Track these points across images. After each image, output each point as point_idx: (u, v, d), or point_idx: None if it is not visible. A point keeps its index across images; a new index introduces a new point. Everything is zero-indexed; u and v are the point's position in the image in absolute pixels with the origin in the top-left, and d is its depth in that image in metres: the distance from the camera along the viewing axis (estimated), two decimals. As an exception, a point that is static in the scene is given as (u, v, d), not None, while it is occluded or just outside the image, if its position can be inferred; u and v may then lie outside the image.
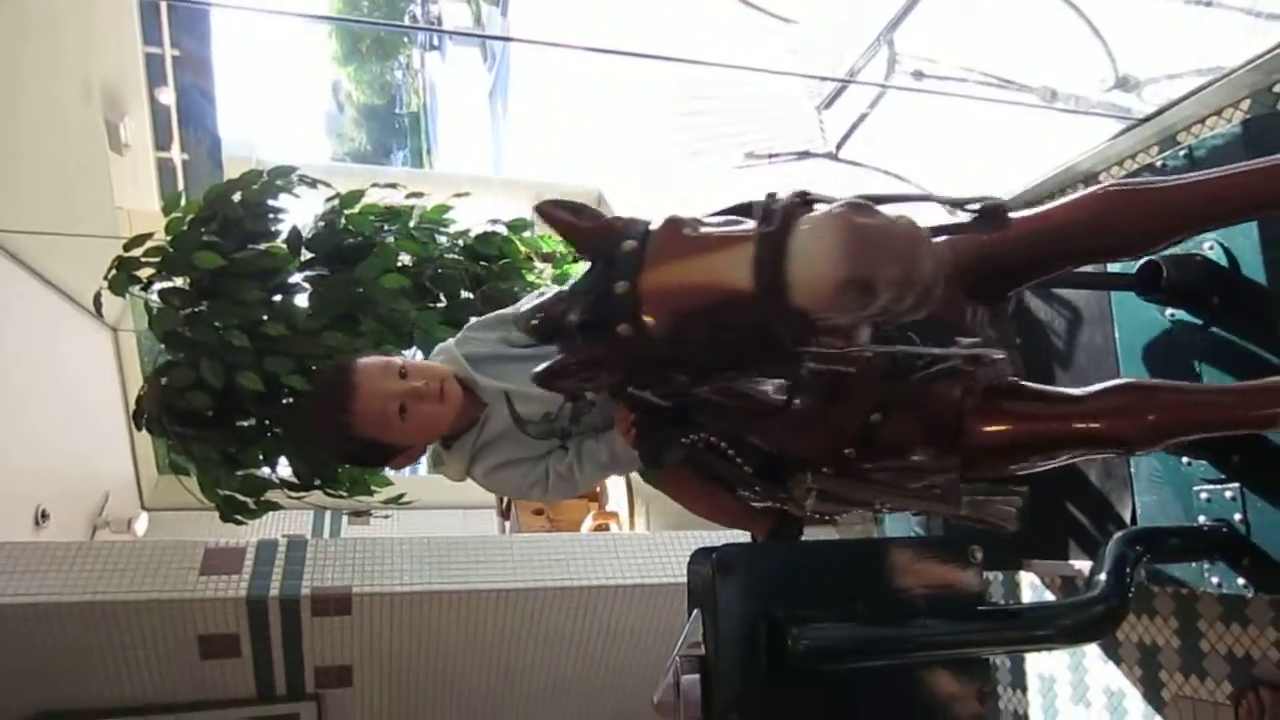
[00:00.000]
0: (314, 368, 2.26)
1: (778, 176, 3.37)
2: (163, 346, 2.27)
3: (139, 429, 2.40)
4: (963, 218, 1.18)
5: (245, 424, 2.47)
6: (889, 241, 0.86)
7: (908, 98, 2.83)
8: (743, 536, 1.60)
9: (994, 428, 1.19)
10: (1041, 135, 2.47)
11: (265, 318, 2.26)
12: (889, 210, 0.92)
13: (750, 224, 0.96)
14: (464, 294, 2.69)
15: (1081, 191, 1.23)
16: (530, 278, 2.73)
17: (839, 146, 2.87)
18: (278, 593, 2.93)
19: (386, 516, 2.78)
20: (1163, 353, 1.54)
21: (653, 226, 1.02)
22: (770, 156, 2.90)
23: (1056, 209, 1.23)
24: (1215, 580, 1.45)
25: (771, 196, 0.96)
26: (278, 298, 2.31)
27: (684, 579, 3.39)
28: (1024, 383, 1.23)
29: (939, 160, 2.84)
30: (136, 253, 2.28)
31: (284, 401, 2.39)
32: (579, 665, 3.36)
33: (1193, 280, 1.44)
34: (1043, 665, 2.58)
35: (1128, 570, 1.25)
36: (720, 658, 1.07)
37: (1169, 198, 1.18)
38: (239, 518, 2.43)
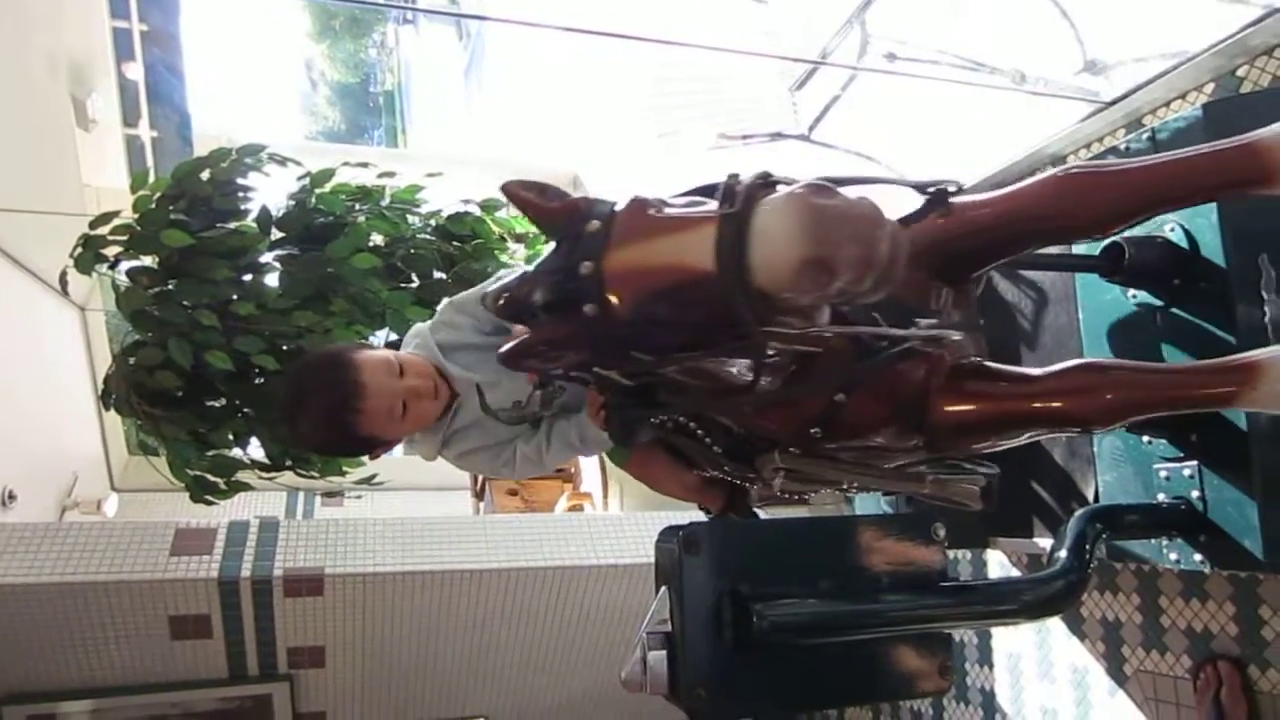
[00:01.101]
0: (284, 347, 2.25)
1: (751, 157, 3.38)
2: (131, 326, 2.24)
3: (107, 409, 2.38)
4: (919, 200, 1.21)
5: (215, 404, 2.45)
6: (848, 223, 0.87)
7: (880, 79, 2.84)
8: (713, 515, 1.63)
9: (956, 407, 1.21)
10: (1012, 118, 2.50)
11: (235, 297, 2.23)
12: (850, 192, 0.93)
13: (713, 205, 0.97)
14: (436, 274, 2.68)
15: (1042, 175, 1.25)
16: (503, 258, 2.72)
17: (811, 128, 2.87)
18: (249, 573, 2.93)
19: (359, 497, 2.77)
20: (1125, 333, 1.57)
21: (618, 207, 1.02)
22: (743, 137, 2.90)
23: (1018, 191, 1.25)
24: (1174, 556, 1.48)
25: (734, 177, 0.97)
26: (247, 277, 2.29)
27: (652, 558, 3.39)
28: (986, 363, 1.26)
29: (911, 142, 2.86)
30: (103, 231, 2.25)
31: (255, 381, 2.38)
32: (553, 644, 3.39)
33: (1154, 262, 1.46)
34: (1009, 642, 2.63)
35: (1087, 547, 1.27)
36: (687, 634, 1.08)
37: (1128, 180, 1.20)
38: (210, 498, 2.41)
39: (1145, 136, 1.55)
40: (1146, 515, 1.46)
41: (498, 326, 1.57)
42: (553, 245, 1.06)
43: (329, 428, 1.46)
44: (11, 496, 3.78)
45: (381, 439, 1.51)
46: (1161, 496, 1.49)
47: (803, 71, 2.77)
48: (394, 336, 2.51)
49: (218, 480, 2.37)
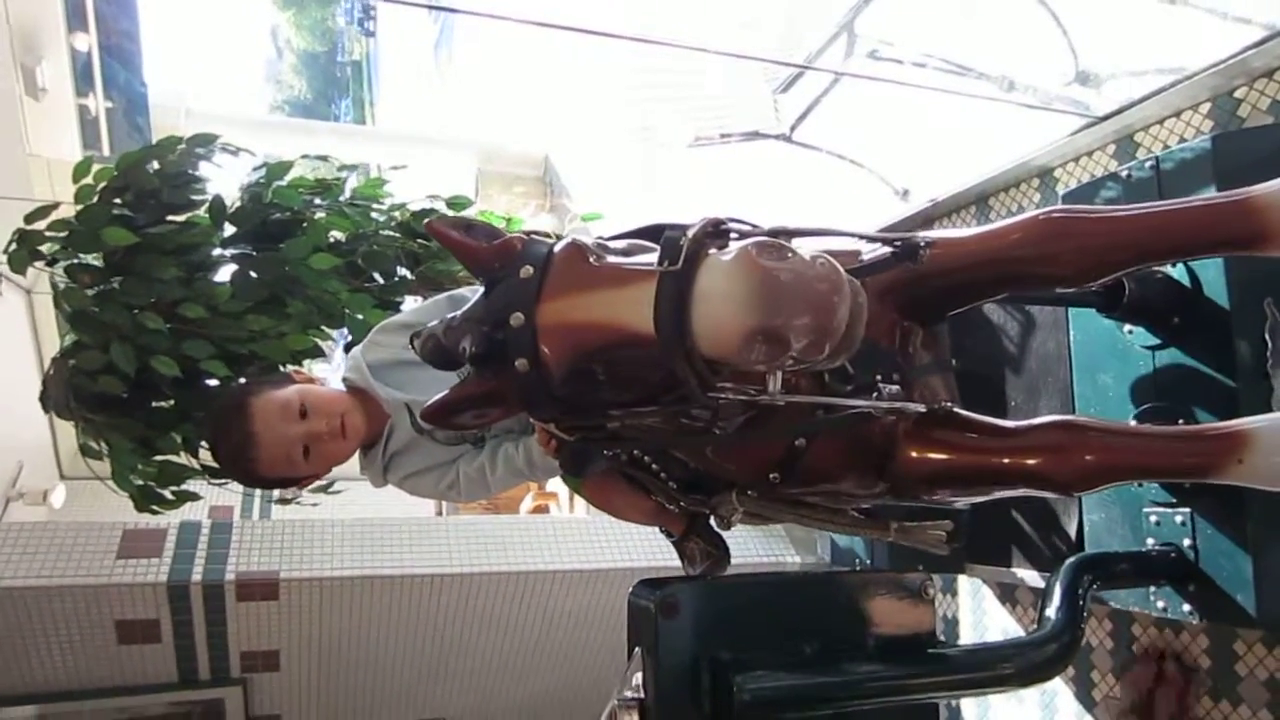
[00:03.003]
0: (236, 352, 2.13)
1: (729, 156, 3.29)
2: (69, 327, 2.11)
3: (46, 411, 2.25)
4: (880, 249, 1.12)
5: (162, 404, 2.32)
6: (801, 288, 0.79)
7: (865, 80, 2.76)
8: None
9: (923, 456, 1.13)
10: (998, 125, 2.43)
11: (183, 298, 2.10)
12: (806, 246, 0.85)
13: (654, 257, 0.88)
14: (400, 272, 2.57)
15: (1023, 216, 1.15)
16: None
17: (793, 128, 2.79)
18: (200, 578, 2.83)
19: (316, 505, 2.66)
20: (1118, 367, 1.50)
21: (556, 249, 0.93)
22: (721, 136, 2.81)
23: (996, 231, 1.15)
24: (1161, 604, 1.43)
25: (677, 228, 0.88)
26: (198, 276, 2.16)
27: (621, 564, 3.34)
28: (957, 410, 1.17)
29: (893, 145, 2.79)
30: (40, 225, 2.10)
31: (205, 384, 2.26)
32: (516, 648, 3.33)
33: (1154, 298, 1.39)
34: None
35: (1081, 603, 1.21)
36: (661, 705, 1.00)
37: (1118, 230, 1.11)
38: (155, 509, 2.30)
39: (1149, 165, 1.48)
40: (1137, 563, 1.40)
41: None
42: (482, 290, 0.97)
43: (236, 471, 1.46)
44: (-49, 488, 3.62)
45: (296, 478, 1.48)
46: (1150, 542, 1.44)
47: (788, 74, 2.68)
48: (352, 339, 2.40)
49: (163, 491, 2.25)
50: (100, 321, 2.02)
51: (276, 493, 2.89)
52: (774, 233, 0.87)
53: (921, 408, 1.08)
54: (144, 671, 2.94)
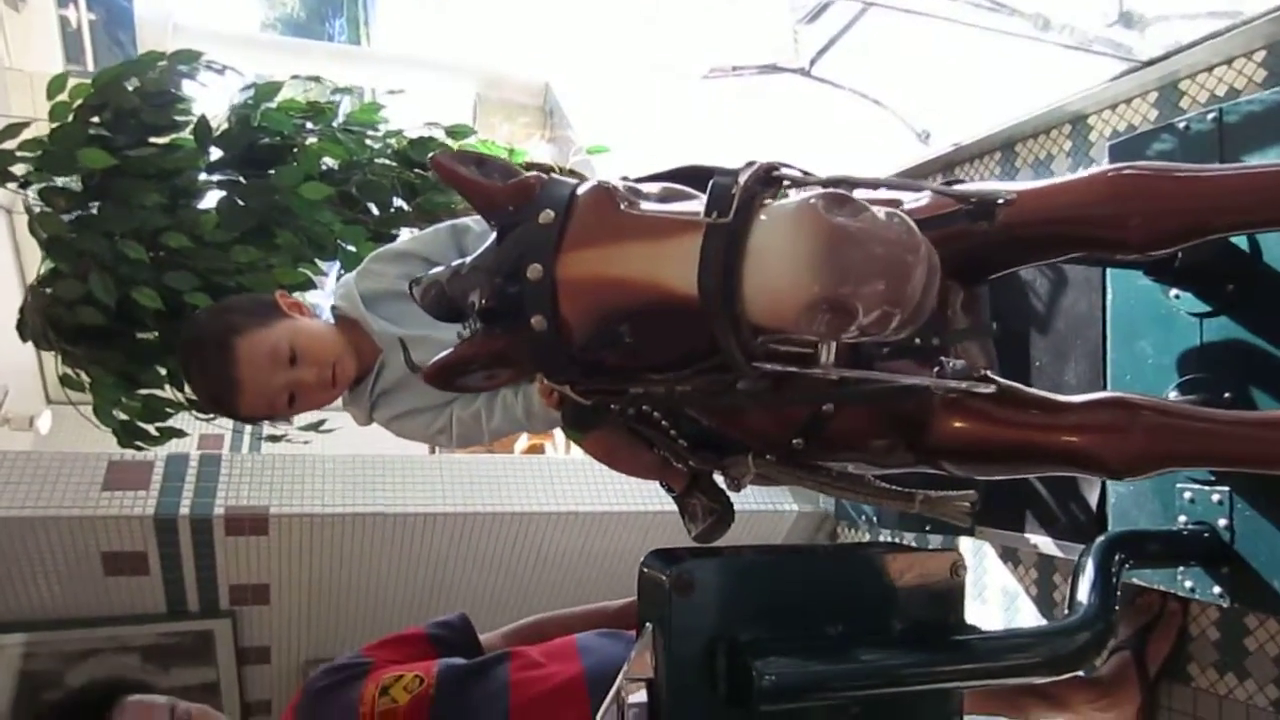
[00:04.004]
0: (223, 284, 2.02)
1: (744, 89, 3.14)
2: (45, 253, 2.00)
3: (23, 341, 2.15)
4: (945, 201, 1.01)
5: (145, 336, 2.23)
6: (876, 251, 0.69)
7: (889, 12, 2.61)
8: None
9: (959, 429, 1.03)
10: (1031, 66, 2.29)
11: (165, 226, 1.99)
12: (875, 202, 0.74)
13: (699, 204, 0.77)
14: (396, 204, 2.45)
15: (1093, 171, 1.04)
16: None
17: (812, 63, 2.64)
18: (188, 512, 2.77)
19: (307, 443, 2.59)
20: (1158, 335, 1.41)
21: (579, 192, 0.82)
22: (734, 69, 2.67)
23: (1060, 191, 1.04)
24: (1189, 585, 1.37)
25: (728, 173, 0.77)
26: (181, 203, 2.04)
27: (616, 507, 3.28)
28: (1000, 380, 1.08)
29: (917, 85, 2.65)
30: (10, 145, 1.97)
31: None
32: (508, 587, 3.30)
33: (1208, 262, 1.29)
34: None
35: (1114, 586, 1.15)
36: (672, 687, 0.94)
37: (1196, 193, 0.99)
38: (139, 445, 2.21)
39: (1210, 117, 1.36)
40: (1169, 543, 1.33)
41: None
42: (494, 235, 0.86)
43: (216, 408, 1.41)
44: (-66, 412, 3.54)
45: (276, 418, 1.46)
46: (1182, 519, 1.37)
47: (814, 4, 2.53)
48: (341, 274, 2.30)
49: (148, 426, 2.16)
50: (78, 249, 1.91)
51: (266, 429, 2.82)
52: (835, 182, 0.75)
53: (990, 387, 0.98)
54: (132, 603, 2.91)
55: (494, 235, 0.86)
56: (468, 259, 0.88)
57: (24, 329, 2.12)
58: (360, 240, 2.22)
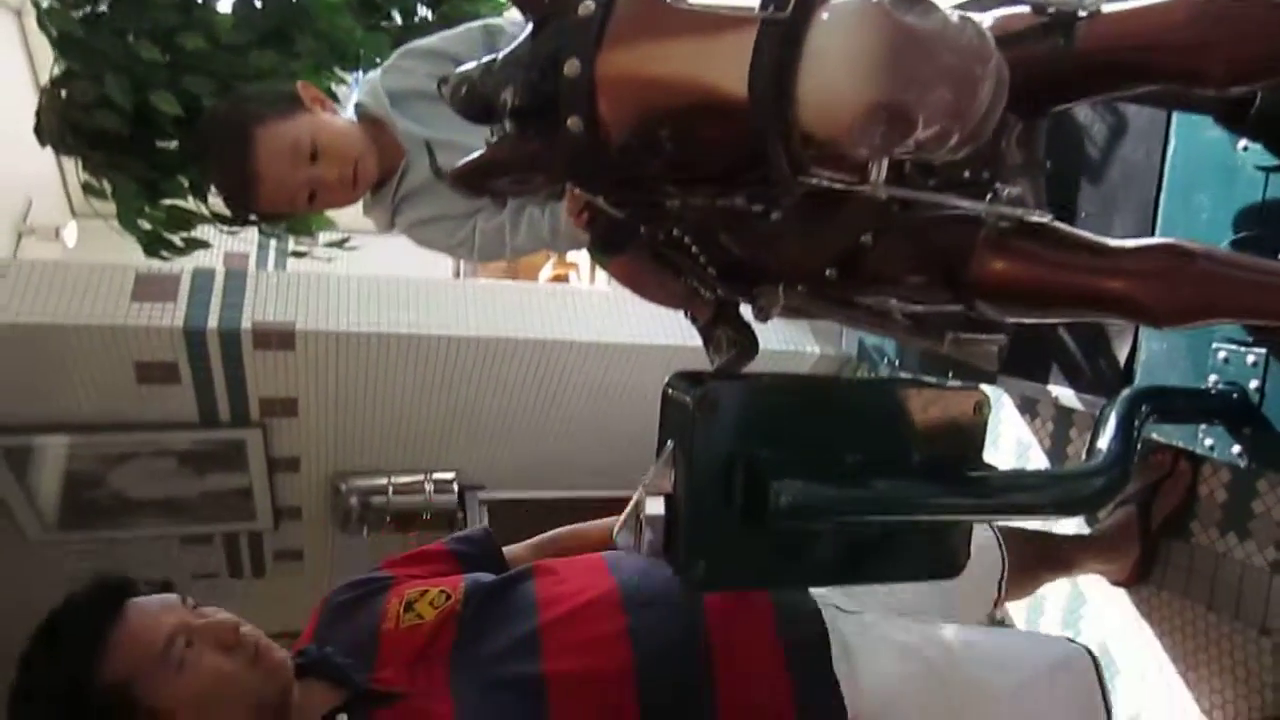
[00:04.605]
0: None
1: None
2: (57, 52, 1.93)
3: (42, 145, 2.11)
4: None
5: (166, 145, 2.18)
6: (945, 57, 0.64)
7: None
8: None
9: (1002, 269, 0.97)
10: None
11: (180, 26, 1.90)
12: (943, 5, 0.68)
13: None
14: (421, 12, 2.33)
15: None
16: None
17: None
18: (216, 324, 2.81)
19: (330, 260, 2.58)
20: (1218, 188, 1.33)
21: None
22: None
23: (1140, 13, 0.94)
24: (1209, 443, 1.35)
25: None
26: (196, 2, 1.94)
27: (639, 339, 3.29)
28: (1049, 221, 1.03)
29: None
30: (15, -68, 1.86)
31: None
32: (529, 412, 3.38)
33: (1287, 112, 1.20)
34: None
35: (1135, 437, 1.14)
36: (691, 502, 0.96)
37: None
38: (164, 255, 2.21)
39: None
40: (1195, 400, 1.31)
41: None
42: (529, 28, 0.80)
43: (234, 203, 1.39)
44: (-41, 221, 3.54)
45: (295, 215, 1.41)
46: (1213, 379, 1.34)
47: None
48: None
49: (172, 236, 2.15)
50: (90, 48, 1.84)
51: (291, 244, 2.81)
52: None
53: (1046, 216, 0.93)
54: (165, 410, 3.00)
55: (529, 28, 0.81)
56: (499, 54, 0.83)
57: (41, 132, 2.08)
58: (383, 49, 2.12)
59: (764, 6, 0.69)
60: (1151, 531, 1.87)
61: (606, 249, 1.26)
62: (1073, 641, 1.38)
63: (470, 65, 0.85)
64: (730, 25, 0.70)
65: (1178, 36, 0.93)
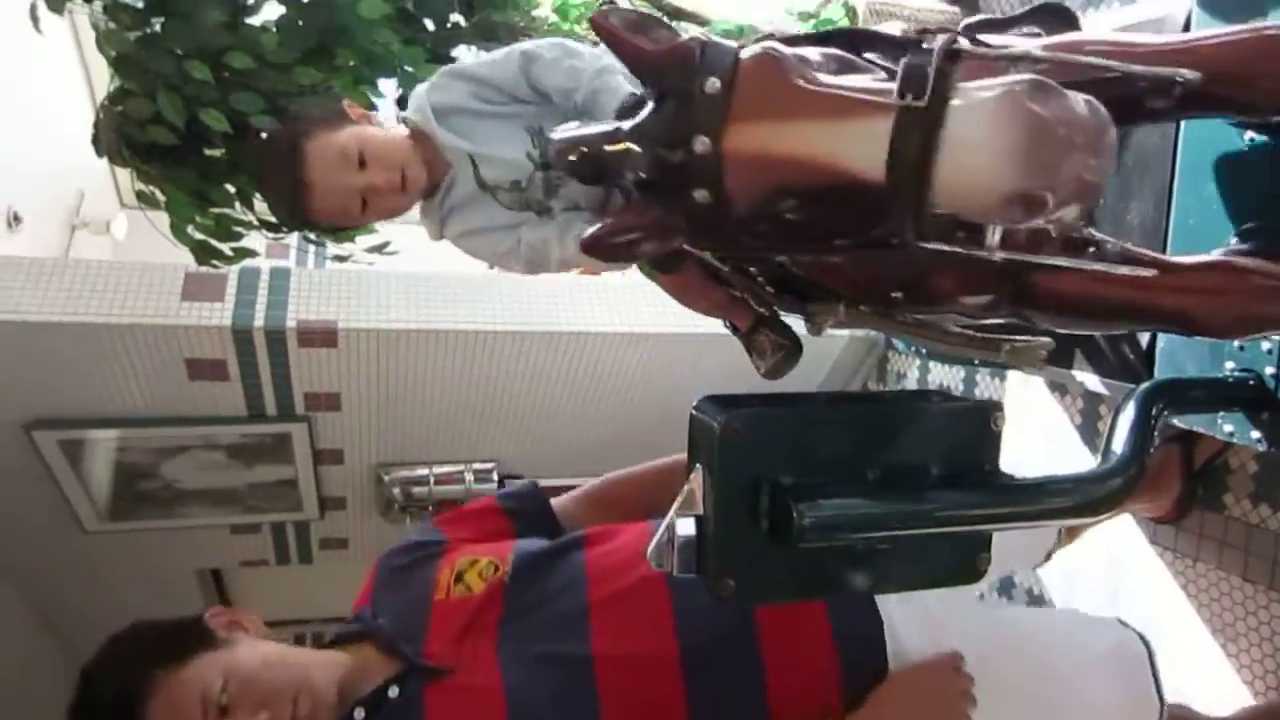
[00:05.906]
0: (286, 107, 2.04)
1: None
2: (114, 71, 2.02)
3: (99, 156, 2.21)
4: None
5: (215, 154, 2.27)
6: (1076, 140, 0.67)
7: None
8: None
9: (1065, 289, 1.01)
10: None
11: (228, 45, 1.98)
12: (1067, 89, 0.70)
13: (885, 84, 0.73)
14: (454, 19, 2.39)
15: (1246, 29, 0.97)
16: (531, 8, 2.41)
17: None
18: (262, 323, 2.92)
19: (371, 264, 2.66)
20: (1229, 178, 1.35)
21: (745, 57, 0.79)
22: None
23: (1203, 45, 0.97)
24: (1228, 429, 1.39)
25: (919, 50, 0.73)
26: (242, 22, 2.02)
27: (671, 329, 3.33)
28: (1103, 238, 1.06)
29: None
30: (71, -42, 1.95)
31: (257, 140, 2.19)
32: (564, 402, 3.45)
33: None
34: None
35: (1150, 434, 1.19)
36: (719, 523, 1.02)
37: None
38: (215, 263, 2.31)
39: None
40: (1212, 390, 1.35)
41: (500, 96, 1.40)
42: (652, 102, 0.84)
43: (291, 217, 1.42)
44: (17, 218, 3.67)
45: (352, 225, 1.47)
46: (1230, 365, 1.38)
47: None
48: (403, 93, 2.28)
49: (222, 246, 2.25)
50: (145, 68, 1.93)
51: (331, 249, 2.90)
52: (1019, 57, 0.72)
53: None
54: (215, 405, 3.11)
55: (651, 101, 0.84)
56: (624, 124, 0.85)
57: (99, 144, 2.18)
58: (419, 61, 2.19)
59: (901, 93, 0.71)
60: (1193, 472, 1.89)
61: (664, 269, 1.30)
62: (1126, 626, 1.40)
63: (582, 130, 0.89)
64: (861, 109, 0.73)
65: (1228, 74, 0.95)
